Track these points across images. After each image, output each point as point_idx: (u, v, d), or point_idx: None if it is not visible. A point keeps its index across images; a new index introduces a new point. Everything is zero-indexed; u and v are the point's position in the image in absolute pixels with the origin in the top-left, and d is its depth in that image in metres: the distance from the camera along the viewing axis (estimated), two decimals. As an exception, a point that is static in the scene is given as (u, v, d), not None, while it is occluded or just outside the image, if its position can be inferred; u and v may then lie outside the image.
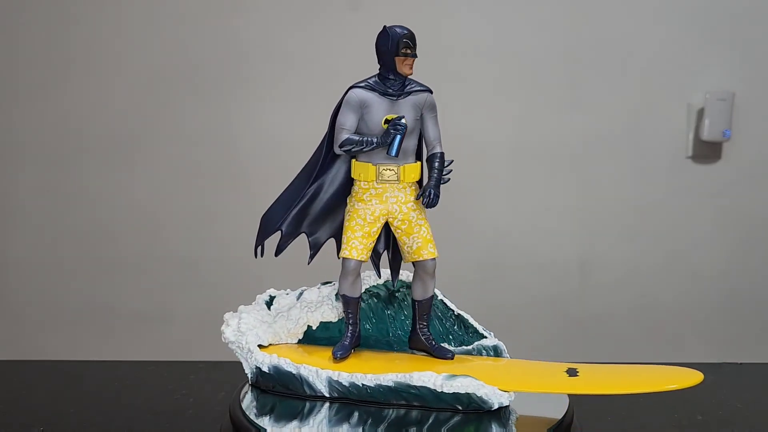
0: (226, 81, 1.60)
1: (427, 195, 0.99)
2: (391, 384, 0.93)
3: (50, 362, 1.62)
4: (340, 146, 0.99)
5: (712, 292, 1.64)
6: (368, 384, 0.94)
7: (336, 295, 1.07)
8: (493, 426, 0.90)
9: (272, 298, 1.12)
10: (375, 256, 1.07)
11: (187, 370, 1.56)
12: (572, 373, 0.97)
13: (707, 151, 1.61)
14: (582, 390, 0.94)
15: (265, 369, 0.99)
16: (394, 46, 0.98)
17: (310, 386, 0.97)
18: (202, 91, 1.60)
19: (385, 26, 0.99)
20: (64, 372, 1.57)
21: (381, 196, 1.00)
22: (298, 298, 1.10)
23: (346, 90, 1.00)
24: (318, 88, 1.59)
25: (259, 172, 1.62)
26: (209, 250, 1.64)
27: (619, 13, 1.58)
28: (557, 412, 0.95)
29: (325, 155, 1.03)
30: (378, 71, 1.01)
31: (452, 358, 1.02)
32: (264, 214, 1.08)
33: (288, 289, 1.13)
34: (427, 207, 1.00)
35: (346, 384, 0.95)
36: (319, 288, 1.11)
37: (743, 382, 1.53)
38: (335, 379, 0.95)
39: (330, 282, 1.11)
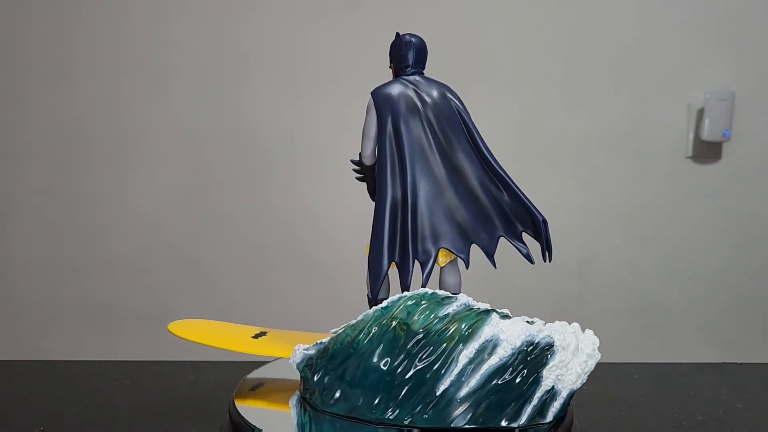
0: (227, 80, 1.60)
1: None
2: None
3: (50, 362, 1.63)
4: None
5: (712, 292, 1.64)
6: None
7: None
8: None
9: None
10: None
11: (187, 370, 1.57)
12: (259, 335, 1.03)
13: (707, 151, 1.61)
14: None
15: None
16: None
17: None
18: (202, 90, 1.60)
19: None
20: (64, 372, 1.57)
21: None
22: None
23: (456, 93, 1.02)
24: (319, 88, 1.60)
25: (259, 171, 1.62)
26: (210, 250, 1.64)
27: (619, 13, 1.58)
28: None
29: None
30: (422, 74, 1.02)
31: None
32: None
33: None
34: None
35: None
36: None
37: (743, 382, 1.53)
38: None
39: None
